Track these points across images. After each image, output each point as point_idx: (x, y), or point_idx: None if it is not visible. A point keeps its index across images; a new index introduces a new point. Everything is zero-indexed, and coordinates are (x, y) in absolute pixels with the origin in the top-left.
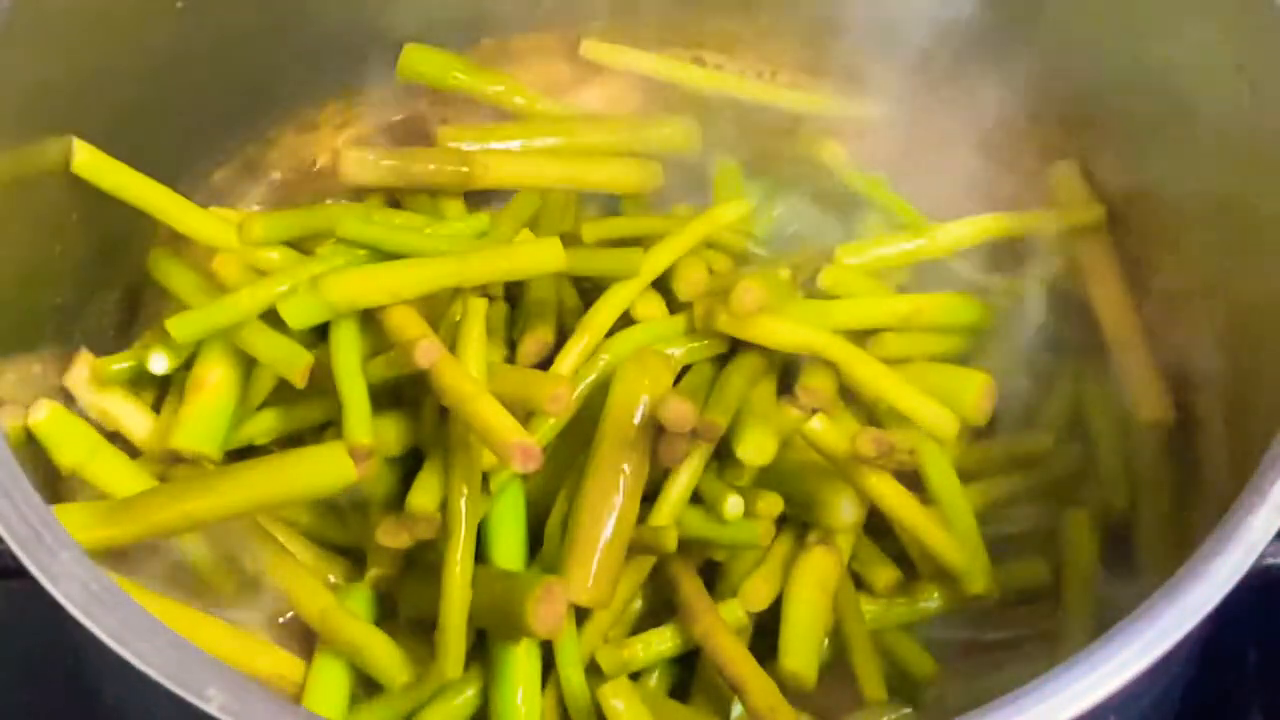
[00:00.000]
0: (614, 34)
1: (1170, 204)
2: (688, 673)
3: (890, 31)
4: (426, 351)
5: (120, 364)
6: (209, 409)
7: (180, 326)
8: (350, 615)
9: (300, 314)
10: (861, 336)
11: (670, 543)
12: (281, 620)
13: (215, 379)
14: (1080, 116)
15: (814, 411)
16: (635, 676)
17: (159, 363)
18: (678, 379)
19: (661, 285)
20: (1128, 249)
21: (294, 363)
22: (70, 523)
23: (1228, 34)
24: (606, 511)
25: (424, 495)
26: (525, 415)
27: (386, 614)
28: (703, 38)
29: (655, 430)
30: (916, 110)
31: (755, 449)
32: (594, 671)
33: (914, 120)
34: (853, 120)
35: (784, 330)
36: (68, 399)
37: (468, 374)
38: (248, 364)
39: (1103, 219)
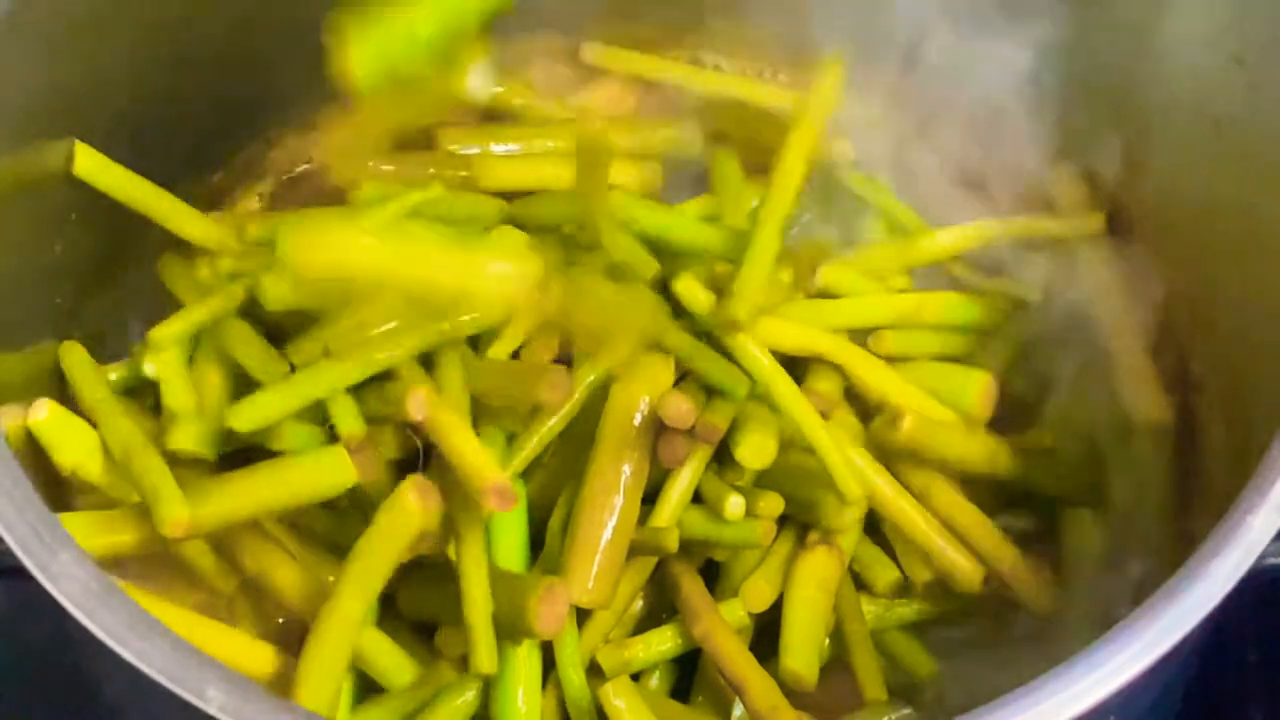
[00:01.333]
0: (614, 34)
1: (1169, 204)
2: (689, 674)
3: (890, 32)
4: (419, 405)
5: (115, 373)
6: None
7: (162, 333)
8: None
9: (274, 293)
10: (862, 335)
11: (671, 544)
12: (281, 620)
13: (209, 379)
14: (1079, 118)
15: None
16: (636, 677)
17: (151, 367)
18: (678, 381)
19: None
20: (1127, 250)
21: (270, 366)
22: (73, 530)
23: (1227, 31)
24: (607, 513)
25: None
26: (530, 410)
27: (386, 614)
28: (702, 38)
29: (656, 431)
30: (916, 111)
31: (755, 452)
32: (595, 672)
33: (914, 121)
34: (853, 120)
35: (788, 333)
36: (67, 399)
37: (454, 416)
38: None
39: (1102, 220)
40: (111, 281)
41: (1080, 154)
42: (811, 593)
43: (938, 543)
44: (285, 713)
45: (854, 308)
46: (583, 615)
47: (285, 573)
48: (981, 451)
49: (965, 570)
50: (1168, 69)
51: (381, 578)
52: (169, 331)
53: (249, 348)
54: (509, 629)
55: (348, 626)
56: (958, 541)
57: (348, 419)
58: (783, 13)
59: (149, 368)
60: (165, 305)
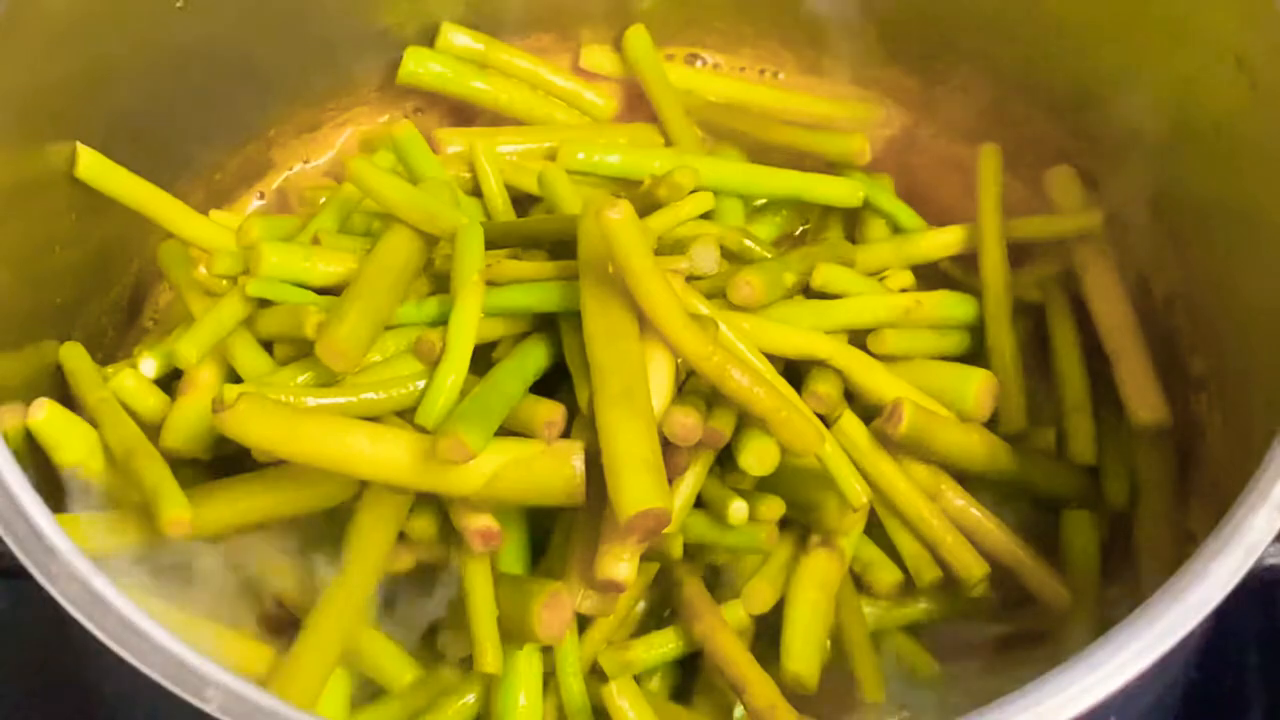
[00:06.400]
0: (613, 34)
1: (1169, 204)
2: (690, 677)
3: (889, 32)
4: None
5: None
6: (199, 409)
7: (186, 347)
8: None
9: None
10: (862, 334)
11: (675, 550)
12: (281, 620)
13: (206, 379)
14: (1079, 118)
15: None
16: (638, 679)
17: (148, 366)
18: (680, 388)
19: None
20: (1126, 250)
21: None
22: (73, 531)
23: (1228, 32)
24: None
25: (423, 522)
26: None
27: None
28: (702, 38)
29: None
30: (915, 111)
31: (758, 458)
32: (596, 673)
33: (913, 122)
34: (853, 121)
35: (786, 337)
36: (67, 399)
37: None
38: None
39: (1100, 221)
40: (112, 281)
41: (1079, 154)
42: (813, 594)
43: (947, 540)
44: (285, 713)
45: (854, 307)
46: (584, 618)
47: (284, 574)
48: (981, 449)
49: (972, 568)
50: (1168, 69)
51: (373, 575)
52: (191, 346)
53: (248, 355)
54: (512, 633)
55: (338, 623)
56: (966, 539)
57: None
58: (783, 12)
59: (148, 367)
60: (165, 305)
